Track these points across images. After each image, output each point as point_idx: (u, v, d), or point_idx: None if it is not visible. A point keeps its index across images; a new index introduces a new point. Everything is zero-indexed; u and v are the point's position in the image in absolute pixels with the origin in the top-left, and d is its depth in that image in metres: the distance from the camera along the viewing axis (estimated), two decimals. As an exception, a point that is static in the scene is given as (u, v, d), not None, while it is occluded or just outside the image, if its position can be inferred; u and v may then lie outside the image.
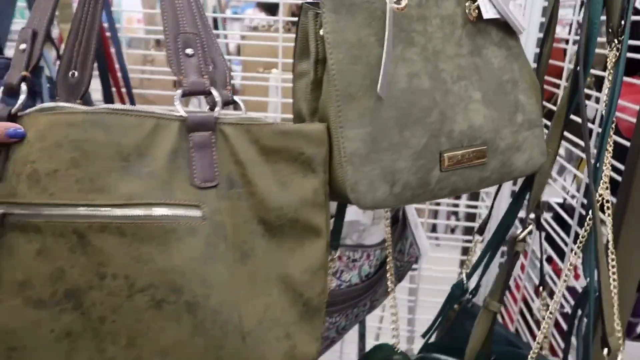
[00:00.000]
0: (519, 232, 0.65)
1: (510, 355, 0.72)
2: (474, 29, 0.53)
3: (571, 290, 0.90)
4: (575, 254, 0.65)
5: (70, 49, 0.51)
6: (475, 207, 1.33)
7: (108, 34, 0.92)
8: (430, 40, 0.49)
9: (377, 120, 0.46)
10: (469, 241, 1.31)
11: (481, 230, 0.84)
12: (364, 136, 0.46)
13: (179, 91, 0.47)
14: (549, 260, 1.06)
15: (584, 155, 0.80)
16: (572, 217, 0.86)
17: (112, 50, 0.91)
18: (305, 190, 0.49)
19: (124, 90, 0.92)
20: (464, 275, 0.75)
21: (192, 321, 0.45)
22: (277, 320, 0.49)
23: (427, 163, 0.48)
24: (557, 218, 1.03)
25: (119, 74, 0.93)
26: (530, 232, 0.65)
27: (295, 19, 0.55)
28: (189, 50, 0.48)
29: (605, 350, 0.58)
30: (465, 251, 1.35)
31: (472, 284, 0.79)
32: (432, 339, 0.79)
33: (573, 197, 0.85)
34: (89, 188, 0.45)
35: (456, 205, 1.50)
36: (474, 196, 1.38)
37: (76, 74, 0.51)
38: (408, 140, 0.47)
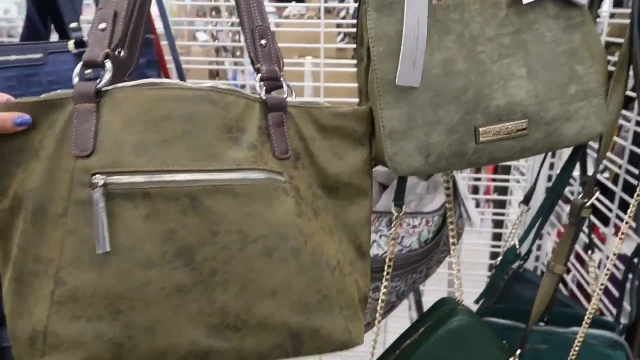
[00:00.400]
0: (579, 197, 0.68)
1: (564, 315, 0.75)
2: (525, 6, 0.56)
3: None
4: (629, 217, 0.69)
5: (121, 28, 0.53)
6: (507, 180, 1.33)
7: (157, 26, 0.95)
8: (467, 26, 0.55)
9: (412, 102, 0.54)
10: (500, 214, 1.35)
11: (527, 200, 0.88)
12: (401, 116, 0.54)
13: (259, 76, 0.54)
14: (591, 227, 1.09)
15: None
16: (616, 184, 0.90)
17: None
18: (357, 160, 0.57)
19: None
20: (516, 241, 0.79)
21: (297, 263, 0.52)
22: (345, 259, 0.57)
23: (462, 137, 0.55)
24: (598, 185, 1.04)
25: (170, 66, 0.96)
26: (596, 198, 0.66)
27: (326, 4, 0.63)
28: (263, 41, 0.55)
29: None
30: (497, 224, 1.39)
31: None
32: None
33: (620, 167, 0.88)
34: (201, 155, 0.50)
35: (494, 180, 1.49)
36: (505, 170, 1.43)
37: (123, 52, 0.54)
38: (442, 118, 0.54)
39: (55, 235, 0.48)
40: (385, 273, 0.67)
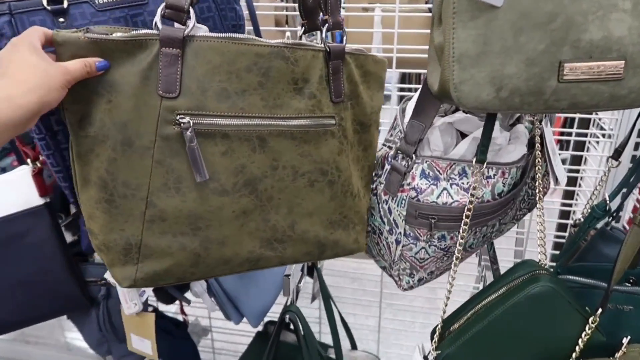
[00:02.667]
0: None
1: None
2: None
3: None
4: None
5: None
6: (577, 171, 1.18)
7: None
8: None
9: (491, 23, 0.46)
10: (575, 170, 1.24)
11: (618, 154, 0.80)
12: (476, 38, 0.46)
13: (324, 28, 0.62)
14: None
15: None
16: None
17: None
18: (380, 100, 0.68)
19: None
20: (607, 196, 0.72)
21: (330, 192, 0.63)
22: (362, 183, 0.69)
23: (543, 71, 0.46)
24: None
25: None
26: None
27: None
28: None
29: None
30: (572, 182, 1.29)
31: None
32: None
33: None
34: (272, 105, 0.57)
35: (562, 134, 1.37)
36: (575, 161, 1.26)
37: None
38: (523, 46, 0.46)
39: (142, 164, 0.53)
40: (462, 224, 0.61)
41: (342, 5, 1.25)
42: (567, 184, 1.24)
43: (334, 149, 0.62)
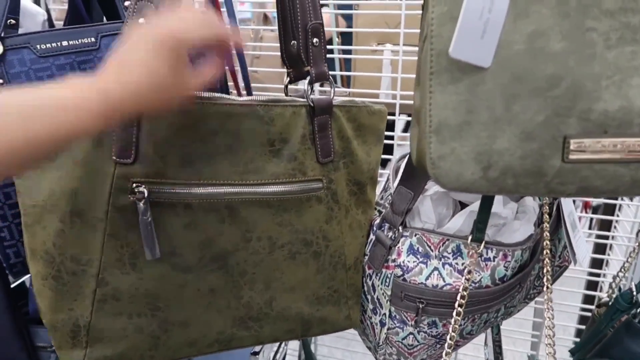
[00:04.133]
0: None
1: None
2: None
3: None
4: None
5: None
6: (606, 237, 1.05)
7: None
8: None
9: (478, 86, 0.37)
10: (604, 237, 1.12)
11: (649, 230, 0.69)
12: (458, 105, 0.37)
13: (307, 80, 0.53)
14: None
15: None
16: None
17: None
18: (378, 155, 0.60)
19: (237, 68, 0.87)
20: (632, 284, 0.61)
21: (316, 265, 0.56)
22: (362, 254, 0.60)
23: (543, 148, 0.37)
24: None
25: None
26: None
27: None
28: (315, 40, 0.53)
29: None
30: (600, 249, 1.17)
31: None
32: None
33: None
34: (242, 170, 0.50)
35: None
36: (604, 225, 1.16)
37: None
38: (517, 116, 0.37)
39: (94, 237, 0.47)
40: (455, 313, 0.51)
41: (350, 46, 1.20)
42: (595, 251, 1.13)
43: (321, 216, 0.55)
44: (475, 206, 0.55)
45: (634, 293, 0.59)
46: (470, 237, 0.51)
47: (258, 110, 0.50)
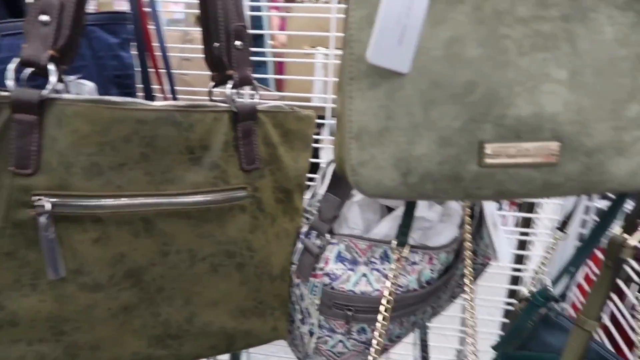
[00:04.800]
0: (618, 232, 0.54)
1: None
2: None
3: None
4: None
5: (69, 24, 0.45)
6: (527, 234, 1.09)
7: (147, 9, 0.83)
8: None
9: (397, 92, 0.36)
10: (525, 234, 1.18)
11: (564, 225, 0.73)
12: (377, 111, 0.37)
13: (230, 85, 0.51)
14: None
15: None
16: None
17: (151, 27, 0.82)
18: (306, 161, 0.58)
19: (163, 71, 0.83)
20: (548, 280, 0.64)
21: (240, 276, 0.53)
22: (289, 263, 0.58)
23: (460, 153, 0.37)
24: None
25: (158, 53, 0.84)
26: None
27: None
28: (238, 43, 0.50)
29: None
30: (523, 245, 1.22)
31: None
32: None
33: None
34: (159, 180, 0.47)
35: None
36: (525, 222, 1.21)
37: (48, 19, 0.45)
38: (435, 122, 0.37)
39: None
40: (380, 317, 0.50)
41: (280, 49, 1.19)
42: (518, 248, 1.17)
43: (245, 226, 0.52)
44: (401, 210, 0.56)
45: (549, 288, 0.61)
46: (394, 242, 0.51)
47: (175, 116, 0.47)
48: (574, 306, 1.00)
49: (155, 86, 0.79)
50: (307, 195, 0.63)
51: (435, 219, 0.58)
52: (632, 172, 0.39)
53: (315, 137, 0.62)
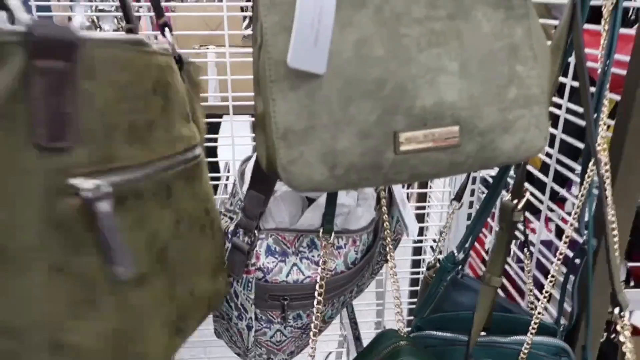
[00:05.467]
0: (508, 198, 0.62)
1: (504, 320, 0.70)
2: None
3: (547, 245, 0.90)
4: (575, 211, 0.64)
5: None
6: (423, 207, 1.20)
7: None
8: (387, 0, 0.42)
9: (316, 92, 0.39)
10: (422, 207, 1.29)
11: (459, 197, 0.81)
12: (300, 110, 0.39)
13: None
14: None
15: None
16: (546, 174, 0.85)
17: None
18: None
19: None
20: (454, 248, 0.72)
21: (212, 233, 0.50)
22: None
23: (378, 144, 0.41)
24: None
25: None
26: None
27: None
28: None
29: (617, 309, 0.58)
30: (420, 218, 1.33)
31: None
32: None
33: (548, 155, 0.83)
34: (170, 137, 0.41)
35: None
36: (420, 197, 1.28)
37: None
38: (354, 117, 0.40)
39: (27, 284, 0.31)
40: (315, 302, 0.53)
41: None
42: (419, 221, 1.28)
43: (208, 178, 0.49)
44: (321, 200, 0.59)
45: (455, 254, 0.69)
46: (321, 230, 0.55)
47: (169, 60, 0.42)
48: (470, 267, 1.12)
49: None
50: (225, 196, 0.64)
51: (353, 204, 0.62)
52: (515, 147, 0.45)
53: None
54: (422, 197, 1.23)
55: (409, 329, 0.67)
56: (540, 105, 0.45)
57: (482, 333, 0.66)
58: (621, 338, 0.55)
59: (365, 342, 0.64)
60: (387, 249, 0.58)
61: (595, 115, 0.56)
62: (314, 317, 0.54)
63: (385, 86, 0.41)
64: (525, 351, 0.62)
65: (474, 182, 1.05)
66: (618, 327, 0.56)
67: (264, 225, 0.57)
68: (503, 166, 0.62)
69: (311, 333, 0.54)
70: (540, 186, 0.84)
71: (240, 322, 0.59)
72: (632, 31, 0.58)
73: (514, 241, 1.07)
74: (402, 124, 0.41)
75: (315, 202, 0.59)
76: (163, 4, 1.14)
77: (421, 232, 1.21)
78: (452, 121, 0.42)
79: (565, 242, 0.61)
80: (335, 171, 0.41)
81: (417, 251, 1.27)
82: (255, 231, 0.56)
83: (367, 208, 0.61)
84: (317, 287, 0.53)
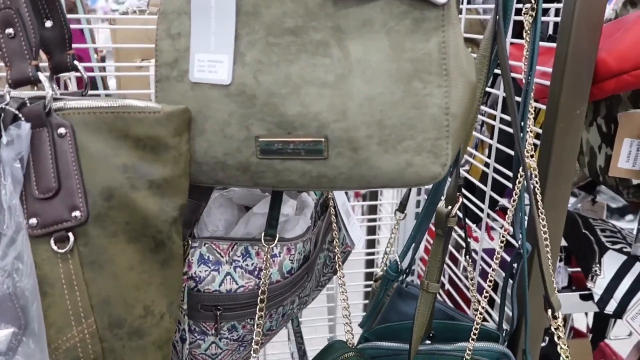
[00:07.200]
0: (442, 205, 0.63)
1: (449, 328, 0.68)
2: None
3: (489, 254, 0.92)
4: (508, 217, 0.65)
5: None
6: (374, 220, 1.24)
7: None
8: (257, 14, 0.43)
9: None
10: (373, 220, 1.30)
11: (403, 207, 0.82)
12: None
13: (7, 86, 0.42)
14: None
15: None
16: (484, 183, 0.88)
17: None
18: None
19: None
20: (396, 256, 0.72)
21: None
22: None
23: (240, 146, 0.43)
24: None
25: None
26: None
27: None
28: (10, 30, 0.41)
29: (550, 311, 0.59)
30: (372, 230, 1.34)
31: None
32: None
33: (487, 165, 0.86)
34: None
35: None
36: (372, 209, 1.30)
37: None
38: (214, 119, 0.44)
39: None
40: (258, 309, 0.53)
41: (112, 64, 1.15)
42: (368, 233, 1.29)
43: None
44: (257, 208, 0.58)
45: (399, 262, 0.70)
46: (262, 235, 0.53)
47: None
48: (419, 277, 1.13)
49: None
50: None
51: (291, 213, 0.62)
52: (399, 170, 0.42)
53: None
54: (372, 209, 1.25)
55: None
56: (439, 128, 0.41)
57: (427, 342, 0.67)
58: (555, 338, 0.57)
59: (316, 358, 0.63)
60: (336, 258, 0.58)
61: (522, 123, 0.58)
62: (255, 325, 0.53)
63: (246, 91, 0.42)
64: (468, 358, 0.62)
65: (419, 194, 1.07)
66: (552, 328, 0.57)
67: (199, 233, 0.56)
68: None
69: (253, 344, 0.53)
70: (481, 196, 0.86)
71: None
72: (554, 45, 0.61)
73: (461, 250, 1.09)
74: (263, 129, 0.42)
75: (250, 210, 0.59)
76: (102, 16, 1.13)
77: (373, 244, 1.22)
78: (317, 133, 0.42)
79: (500, 247, 0.62)
80: (203, 167, 0.44)
81: (370, 264, 1.28)
82: (189, 239, 0.54)
83: (303, 217, 0.61)
84: (259, 293, 0.53)
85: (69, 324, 0.40)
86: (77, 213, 0.40)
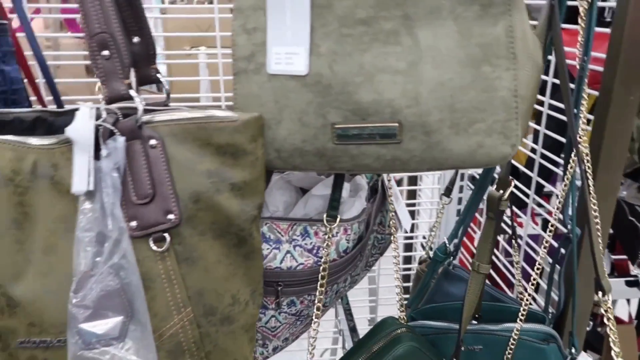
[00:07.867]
0: (494, 189, 0.65)
1: (495, 310, 0.69)
2: None
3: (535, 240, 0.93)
4: (556, 203, 0.67)
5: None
6: (413, 204, 1.24)
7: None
8: (331, 4, 0.44)
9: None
10: (411, 204, 1.31)
11: (449, 192, 0.84)
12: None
13: (103, 102, 0.44)
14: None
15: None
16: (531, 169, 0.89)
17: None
18: None
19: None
20: (445, 239, 0.74)
21: None
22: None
23: (317, 133, 0.45)
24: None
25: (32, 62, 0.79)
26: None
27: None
28: (105, 52, 0.44)
29: (600, 293, 0.61)
30: (411, 215, 1.36)
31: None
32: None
33: (533, 150, 0.87)
34: None
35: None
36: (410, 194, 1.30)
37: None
38: (293, 108, 0.46)
39: None
40: (319, 285, 0.56)
41: (162, 51, 1.19)
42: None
43: None
44: (316, 190, 0.61)
45: (447, 244, 0.72)
46: (325, 216, 0.56)
47: None
48: (461, 263, 1.15)
49: (33, 97, 0.76)
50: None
51: (345, 195, 0.65)
52: (470, 151, 0.44)
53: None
54: (412, 194, 1.27)
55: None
56: (508, 110, 0.43)
57: (474, 322, 0.69)
58: (605, 320, 0.58)
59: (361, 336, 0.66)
60: (392, 238, 0.60)
61: (575, 110, 0.59)
62: (316, 299, 0.55)
63: (322, 81, 0.44)
64: (515, 337, 0.64)
65: (462, 179, 1.08)
66: (601, 310, 0.58)
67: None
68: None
69: (313, 315, 0.56)
70: (526, 181, 0.87)
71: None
72: (608, 30, 0.61)
73: (502, 236, 1.10)
74: (339, 116, 0.44)
75: (308, 192, 0.62)
76: (154, 6, 1.16)
77: (412, 228, 1.24)
78: (391, 118, 0.44)
79: (550, 232, 0.64)
80: (282, 154, 0.45)
81: (408, 247, 1.30)
82: (251, 219, 0.58)
83: (358, 199, 0.64)
84: (320, 270, 0.56)
85: (170, 314, 0.44)
86: (171, 216, 0.44)
